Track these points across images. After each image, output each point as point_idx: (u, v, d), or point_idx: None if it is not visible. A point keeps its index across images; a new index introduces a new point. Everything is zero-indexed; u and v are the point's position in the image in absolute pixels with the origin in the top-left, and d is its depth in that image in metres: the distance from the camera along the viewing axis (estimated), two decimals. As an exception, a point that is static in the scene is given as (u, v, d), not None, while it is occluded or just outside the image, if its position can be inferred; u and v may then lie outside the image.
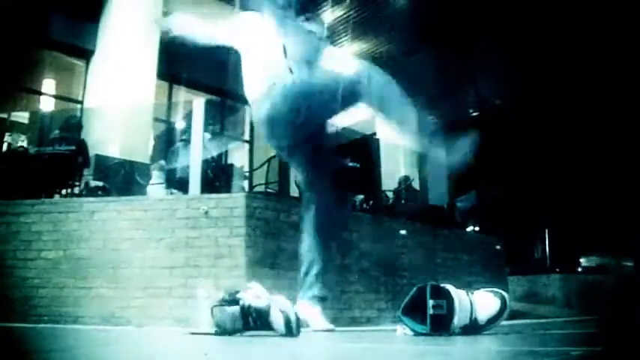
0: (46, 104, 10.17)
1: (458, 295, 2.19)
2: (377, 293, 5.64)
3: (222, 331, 2.35)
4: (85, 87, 9.73)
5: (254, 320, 2.38)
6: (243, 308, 2.39)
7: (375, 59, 13.10)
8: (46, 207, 5.09)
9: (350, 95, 2.86)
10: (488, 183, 11.60)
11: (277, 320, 2.42)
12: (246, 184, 7.95)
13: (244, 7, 3.03)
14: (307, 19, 2.98)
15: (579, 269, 12.50)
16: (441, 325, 2.15)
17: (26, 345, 2.10)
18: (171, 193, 5.85)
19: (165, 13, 9.64)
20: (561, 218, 13.11)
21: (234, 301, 2.44)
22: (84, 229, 4.91)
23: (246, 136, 12.38)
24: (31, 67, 9.88)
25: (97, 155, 6.88)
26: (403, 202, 7.74)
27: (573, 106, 12.24)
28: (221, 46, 3.02)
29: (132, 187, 6.34)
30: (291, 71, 2.83)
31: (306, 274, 3.00)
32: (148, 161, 7.92)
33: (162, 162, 6.92)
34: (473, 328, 2.22)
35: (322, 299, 2.97)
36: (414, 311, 2.21)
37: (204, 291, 3.05)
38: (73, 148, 6.13)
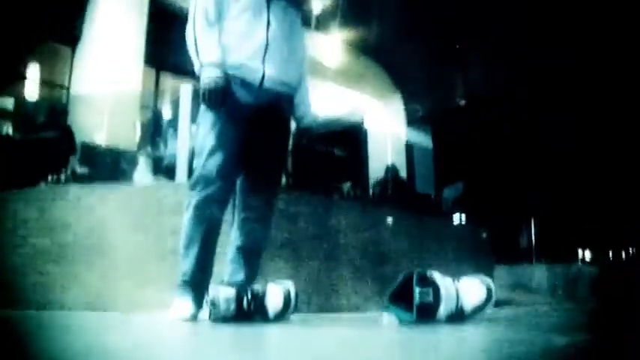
0: (32, 90, 10.05)
1: (444, 283, 2.21)
2: (363, 281, 5.66)
3: (216, 311, 2.35)
4: (71, 73, 9.62)
5: (248, 303, 2.39)
6: (239, 292, 2.39)
7: (365, 48, 13.07)
8: (31, 194, 5.04)
9: None
10: (476, 171, 11.66)
11: (274, 298, 2.42)
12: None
13: None
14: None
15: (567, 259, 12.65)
16: (427, 313, 2.17)
17: (12, 331, 2.09)
18: (158, 180, 5.81)
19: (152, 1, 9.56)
20: (547, 207, 13.22)
21: (230, 285, 2.46)
22: (70, 216, 4.88)
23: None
24: (16, 52, 9.74)
25: (83, 142, 6.82)
26: (390, 190, 7.75)
27: (560, 92, 12.31)
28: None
29: (118, 174, 6.29)
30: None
31: None
32: (134, 148, 7.86)
33: (149, 149, 6.87)
34: (458, 316, 2.24)
35: None
36: (401, 299, 2.23)
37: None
38: (59, 134, 6.08)
